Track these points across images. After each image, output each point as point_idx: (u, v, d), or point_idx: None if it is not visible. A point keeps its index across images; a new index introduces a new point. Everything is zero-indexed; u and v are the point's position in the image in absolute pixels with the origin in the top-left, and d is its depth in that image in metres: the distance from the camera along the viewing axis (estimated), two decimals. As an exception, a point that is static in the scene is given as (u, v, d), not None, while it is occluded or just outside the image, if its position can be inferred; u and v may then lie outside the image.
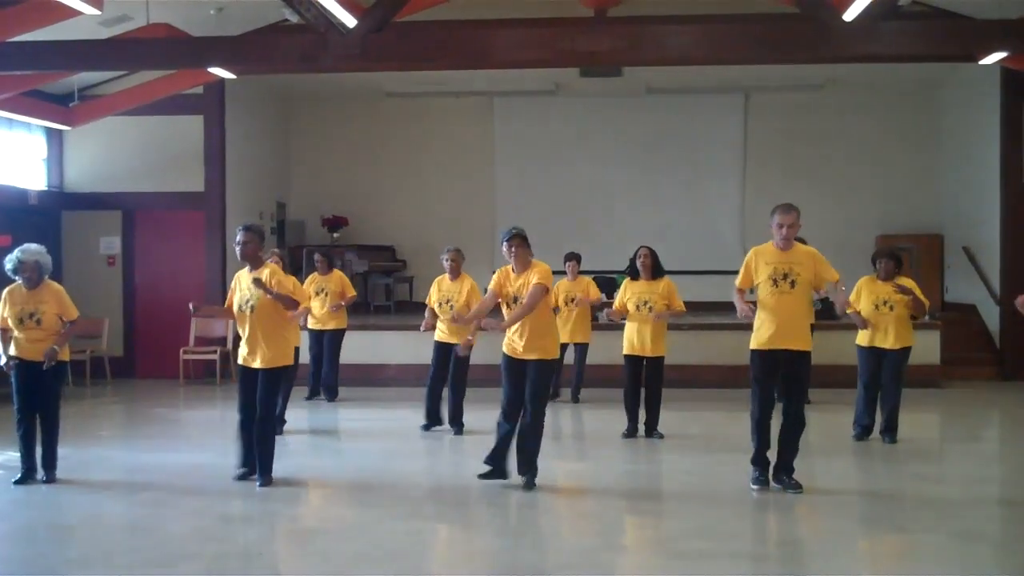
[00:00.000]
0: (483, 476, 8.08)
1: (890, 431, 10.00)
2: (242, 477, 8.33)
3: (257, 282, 7.94)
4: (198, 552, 6.49)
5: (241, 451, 8.38)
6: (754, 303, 7.86)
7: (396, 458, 9.68)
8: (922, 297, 9.84)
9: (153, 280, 15.93)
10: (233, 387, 8.65)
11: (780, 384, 7.89)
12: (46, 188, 15.68)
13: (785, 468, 7.90)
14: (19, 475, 8.37)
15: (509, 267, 7.99)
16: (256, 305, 8.05)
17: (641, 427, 10.37)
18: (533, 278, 7.76)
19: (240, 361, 8.27)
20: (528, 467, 7.98)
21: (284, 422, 10.77)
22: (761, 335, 7.74)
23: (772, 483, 7.90)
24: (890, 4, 10.52)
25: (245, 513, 7.66)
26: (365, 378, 14.20)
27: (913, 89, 17.83)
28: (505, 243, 7.89)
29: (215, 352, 14.82)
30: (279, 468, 8.35)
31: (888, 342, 9.88)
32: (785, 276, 7.65)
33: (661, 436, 10.29)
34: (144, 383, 15.29)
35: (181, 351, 15.04)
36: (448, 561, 6.64)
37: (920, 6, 13.95)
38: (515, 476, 8.04)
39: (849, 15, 10.54)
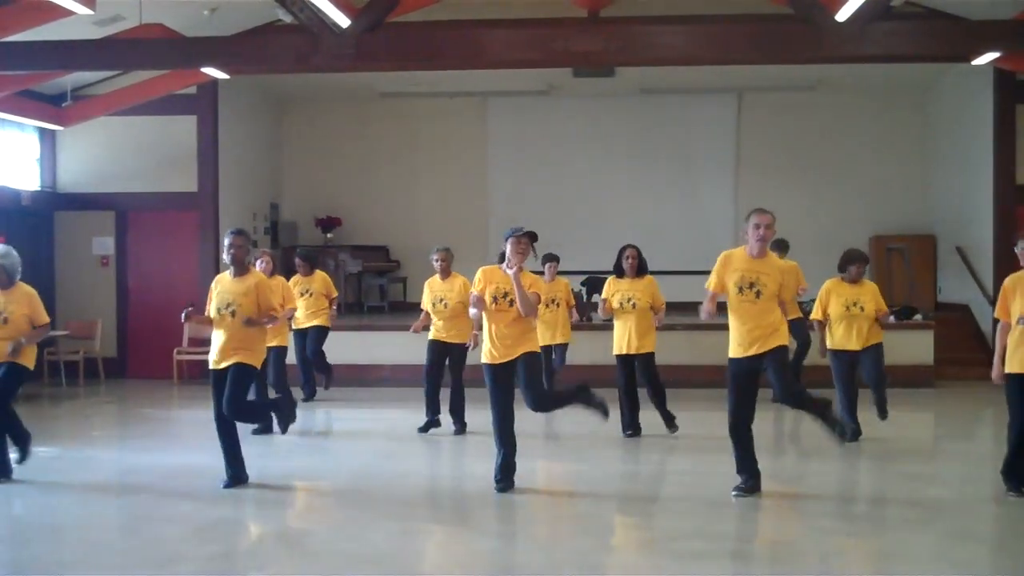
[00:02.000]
0: (502, 489, 7.93)
1: (882, 408, 10.03)
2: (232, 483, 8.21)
3: (249, 322, 8.00)
4: (190, 553, 6.47)
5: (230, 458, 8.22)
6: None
7: (390, 459, 9.68)
8: (883, 306, 10.00)
9: (146, 281, 15.92)
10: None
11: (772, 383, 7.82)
12: (39, 188, 15.65)
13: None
14: None
15: (495, 266, 7.97)
16: (237, 311, 8.01)
17: (643, 426, 10.42)
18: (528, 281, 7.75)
19: (211, 366, 8.16)
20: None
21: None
22: (732, 343, 7.66)
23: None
24: (882, 5, 10.56)
25: (237, 515, 7.64)
26: (359, 378, 14.18)
27: (906, 89, 17.88)
28: (513, 240, 7.75)
29: (208, 353, 14.75)
30: (274, 469, 8.33)
31: (860, 343, 9.90)
32: (751, 285, 7.51)
33: (676, 428, 10.41)
34: (137, 384, 15.26)
35: (174, 352, 15.04)
36: (441, 562, 6.63)
37: (912, 7, 13.96)
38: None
39: (841, 16, 10.56)
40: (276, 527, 7.47)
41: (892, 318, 10.01)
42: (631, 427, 10.41)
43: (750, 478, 7.79)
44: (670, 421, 10.43)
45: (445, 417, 10.68)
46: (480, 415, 10.37)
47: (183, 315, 8.23)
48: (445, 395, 10.68)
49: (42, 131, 15.57)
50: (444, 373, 10.62)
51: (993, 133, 15.57)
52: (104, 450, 10.52)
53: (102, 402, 13.93)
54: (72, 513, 7.69)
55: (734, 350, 7.65)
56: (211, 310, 8.13)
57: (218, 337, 8.11)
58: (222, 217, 15.85)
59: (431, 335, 10.63)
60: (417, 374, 10.81)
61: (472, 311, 8.17)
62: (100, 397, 14.21)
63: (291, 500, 8.16)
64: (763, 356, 7.57)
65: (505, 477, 7.90)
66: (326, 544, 6.75)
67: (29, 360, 8.41)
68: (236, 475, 8.10)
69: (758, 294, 7.51)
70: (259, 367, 8.35)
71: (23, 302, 8.32)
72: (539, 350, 8.02)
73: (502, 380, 7.84)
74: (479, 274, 7.93)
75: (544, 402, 8.00)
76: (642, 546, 6.98)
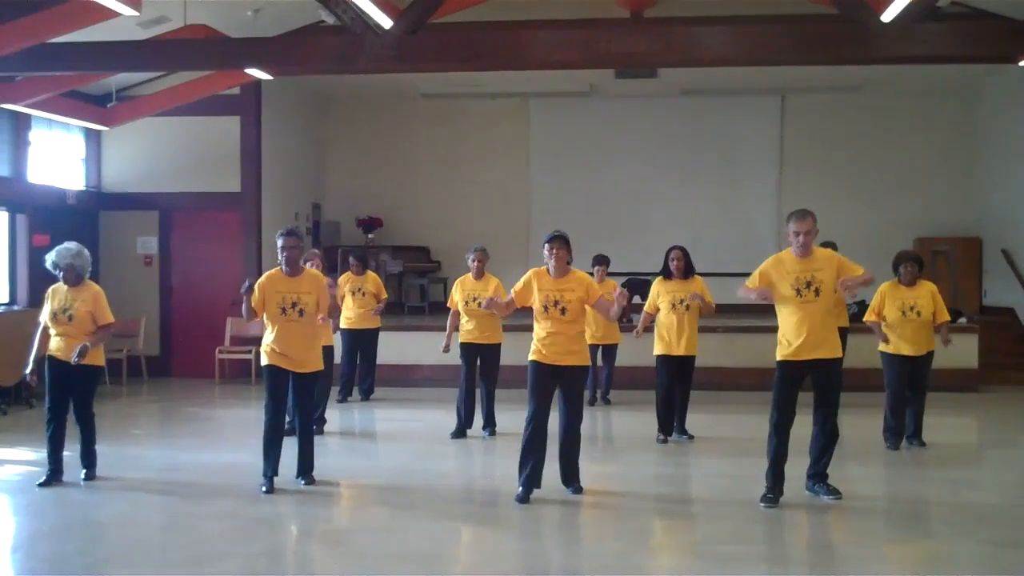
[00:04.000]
0: (523, 499, 7.77)
1: (919, 436, 9.93)
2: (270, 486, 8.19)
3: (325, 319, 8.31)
4: (232, 552, 6.52)
5: (275, 459, 8.22)
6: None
7: (429, 459, 9.70)
8: (944, 311, 9.93)
9: (189, 280, 16.05)
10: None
11: (813, 394, 7.77)
12: (84, 188, 15.82)
13: (820, 476, 7.77)
14: (43, 477, 8.37)
15: (544, 268, 7.92)
16: (306, 310, 8.05)
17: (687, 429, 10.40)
18: (583, 289, 7.73)
19: (272, 361, 8.10)
20: (575, 474, 7.95)
21: (325, 421, 10.83)
22: (789, 346, 7.57)
23: (806, 492, 7.78)
24: (929, 5, 10.41)
25: (278, 513, 7.69)
26: (399, 379, 14.22)
27: (952, 91, 17.67)
28: (547, 245, 7.79)
29: (250, 352, 14.86)
30: (315, 467, 8.36)
31: (915, 348, 9.78)
32: (808, 284, 7.48)
33: (691, 437, 10.28)
34: (180, 382, 15.40)
35: (217, 351, 15.15)
36: (479, 562, 6.62)
37: (959, 7, 13.78)
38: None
39: (887, 16, 10.44)
40: (317, 526, 7.50)
41: (964, 321, 9.87)
42: (668, 430, 10.34)
43: (777, 486, 7.66)
44: (683, 427, 10.40)
45: (477, 421, 10.68)
46: (511, 417, 10.38)
47: (243, 287, 8.03)
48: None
49: (87, 131, 15.74)
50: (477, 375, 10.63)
51: (1041, 135, 15.38)
52: (146, 448, 10.61)
53: (145, 400, 14.05)
54: (114, 510, 7.78)
55: (790, 352, 7.57)
56: (269, 306, 8.06)
57: (284, 336, 8.08)
58: (265, 217, 15.95)
59: (462, 338, 10.57)
60: (457, 375, 10.76)
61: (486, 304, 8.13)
62: (143, 395, 14.33)
63: (332, 499, 8.18)
64: (817, 362, 7.53)
65: (526, 487, 7.78)
66: (365, 543, 6.77)
67: (98, 358, 8.53)
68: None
69: (817, 292, 7.49)
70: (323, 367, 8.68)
71: (89, 300, 8.36)
72: (588, 364, 8.00)
73: (547, 381, 7.75)
74: (526, 279, 7.84)
75: (579, 424, 7.88)
76: (681, 549, 6.94)
